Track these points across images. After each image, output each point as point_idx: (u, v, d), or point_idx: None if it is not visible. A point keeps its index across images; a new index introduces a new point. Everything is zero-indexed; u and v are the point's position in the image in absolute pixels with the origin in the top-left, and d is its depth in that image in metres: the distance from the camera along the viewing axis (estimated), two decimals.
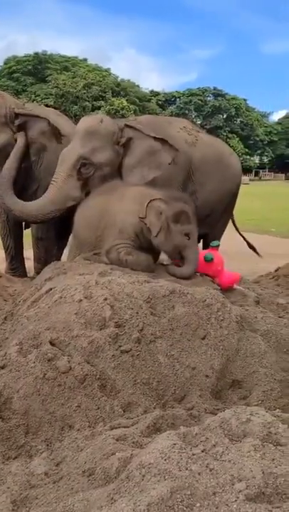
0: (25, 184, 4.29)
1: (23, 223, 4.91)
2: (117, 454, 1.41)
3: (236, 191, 4.89)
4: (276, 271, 5.17)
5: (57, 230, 4.70)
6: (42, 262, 4.57)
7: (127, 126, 3.89)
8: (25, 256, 5.11)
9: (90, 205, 3.56)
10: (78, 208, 3.66)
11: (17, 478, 1.53)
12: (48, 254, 4.73)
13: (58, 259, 4.77)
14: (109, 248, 3.24)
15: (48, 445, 1.78)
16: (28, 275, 4.91)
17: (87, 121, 4.01)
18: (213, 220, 4.62)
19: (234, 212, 5.12)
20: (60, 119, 4.92)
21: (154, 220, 3.13)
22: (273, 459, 1.09)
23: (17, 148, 4.21)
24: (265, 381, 2.18)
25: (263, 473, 1.03)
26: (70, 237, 4.71)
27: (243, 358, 2.30)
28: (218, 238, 5.00)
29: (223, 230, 4.97)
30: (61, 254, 5.11)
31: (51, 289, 2.68)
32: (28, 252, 5.09)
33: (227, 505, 0.97)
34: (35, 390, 1.90)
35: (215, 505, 0.99)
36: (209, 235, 4.91)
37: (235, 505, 0.96)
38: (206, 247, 4.87)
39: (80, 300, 2.39)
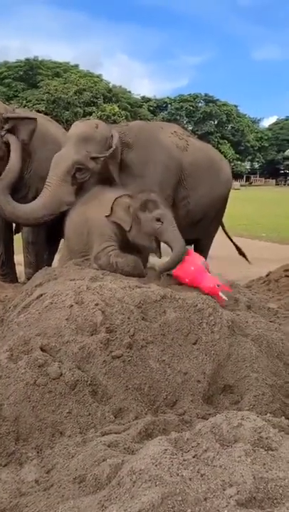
0: (16, 187, 4.27)
1: (13, 228, 4.89)
2: (108, 460, 1.40)
3: (227, 196, 4.92)
4: (267, 276, 5.21)
5: (47, 234, 4.69)
6: (33, 267, 4.54)
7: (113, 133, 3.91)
8: (16, 261, 5.08)
9: (76, 212, 3.60)
10: (68, 215, 3.67)
11: (7, 486, 1.51)
12: (38, 259, 4.71)
13: (49, 264, 4.76)
14: (96, 254, 3.26)
15: (38, 452, 1.76)
16: (19, 280, 4.89)
17: (81, 126, 4.00)
18: (204, 224, 4.65)
19: (225, 217, 5.15)
20: (50, 124, 4.93)
21: (123, 216, 3.24)
22: (264, 464, 1.09)
23: (16, 148, 4.19)
24: (256, 386, 2.18)
25: (254, 478, 1.03)
26: (62, 242, 4.70)
27: (234, 363, 2.30)
28: (210, 243, 5.02)
29: (214, 235, 4.99)
30: (52, 259, 5.10)
31: (42, 295, 2.67)
32: (19, 257, 5.06)
33: (218, 510, 0.97)
34: (26, 397, 1.88)
35: (206, 510, 0.98)
36: (201, 240, 4.93)
37: (226, 511, 0.96)
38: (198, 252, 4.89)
39: (71, 305, 2.38)
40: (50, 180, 3.82)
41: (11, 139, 4.19)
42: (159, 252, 3.34)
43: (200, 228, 4.54)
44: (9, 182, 4.01)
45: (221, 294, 2.93)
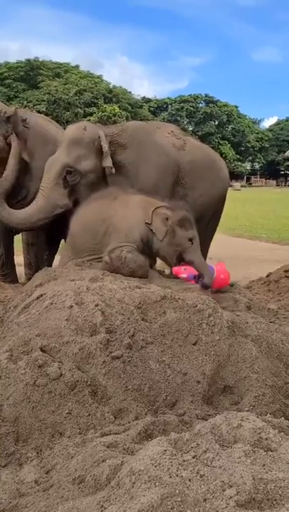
0: (15, 191, 4.28)
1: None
2: (107, 461, 1.40)
3: (225, 195, 4.91)
4: (267, 276, 5.21)
5: (47, 235, 4.70)
6: (33, 267, 4.56)
7: (98, 137, 3.92)
8: (16, 262, 5.09)
9: (88, 211, 3.58)
10: (74, 215, 3.65)
11: (6, 487, 1.51)
12: (38, 260, 4.73)
13: (49, 264, 4.76)
14: (112, 248, 3.26)
15: (38, 453, 1.76)
16: (19, 281, 4.90)
17: (71, 130, 4.05)
18: (202, 224, 4.65)
19: (226, 217, 5.15)
20: (51, 125, 4.94)
21: (160, 226, 3.29)
22: (264, 465, 1.09)
23: (15, 153, 4.21)
24: (256, 386, 2.18)
25: (253, 479, 1.03)
26: (62, 243, 4.70)
27: (234, 364, 2.30)
28: (208, 243, 5.02)
29: (212, 235, 4.98)
30: (52, 260, 5.10)
31: (42, 295, 2.67)
32: (19, 258, 5.07)
33: (218, 511, 0.97)
34: (26, 397, 1.88)
35: (206, 511, 0.98)
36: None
37: None
38: None
39: (71, 306, 2.38)
40: (43, 184, 3.86)
41: (14, 142, 4.21)
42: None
43: (198, 227, 4.54)
44: (4, 190, 4.04)
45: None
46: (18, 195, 4.28)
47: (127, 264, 3.14)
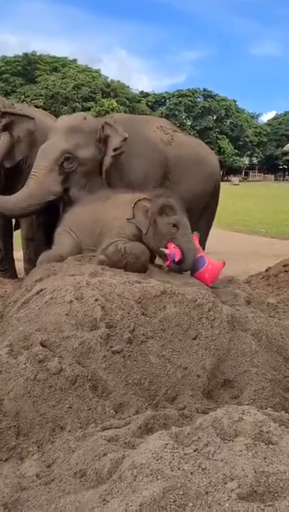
0: (12, 185, 4.26)
1: (13, 224, 4.88)
2: (108, 454, 1.40)
3: (215, 190, 4.89)
4: (266, 271, 5.22)
5: (47, 230, 4.69)
6: (32, 263, 4.54)
7: (106, 123, 3.91)
8: (15, 257, 5.08)
9: (81, 212, 3.58)
10: (67, 216, 3.65)
11: (8, 481, 1.51)
12: (37, 255, 4.71)
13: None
14: (105, 246, 3.26)
15: (39, 447, 1.76)
16: (19, 276, 4.89)
17: (69, 119, 4.03)
18: (192, 219, 4.63)
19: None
20: (49, 119, 4.92)
21: (142, 219, 3.27)
22: (265, 458, 1.09)
23: (1, 147, 4.19)
24: (256, 380, 2.19)
25: (254, 471, 1.04)
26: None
27: (234, 358, 2.30)
28: (203, 239, 5.02)
29: (207, 231, 4.94)
30: None
31: (42, 290, 2.67)
32: (19, 253, 5.06)
33: (219, 504, 0.97)
34: (26, 392, 1.89)
35: (207, 504, 0.99)
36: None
37: (227, 504, 0.96)
38: None
39: (71, 301, 2.38)
40: (36, 169, 3.82)
41: (3, 137, 4.19)
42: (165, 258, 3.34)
43: (191, 224, 4.52)
44: None
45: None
46: (16, 189, 4.26)
47: (128, 253, 3.12)
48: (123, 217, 3.33)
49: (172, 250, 3.15)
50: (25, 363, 1.97)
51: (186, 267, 3.23)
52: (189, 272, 3.28)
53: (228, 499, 0.98)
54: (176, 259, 3.15)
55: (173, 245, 3.16)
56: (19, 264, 5.04)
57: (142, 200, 3.30)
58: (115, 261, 3.13)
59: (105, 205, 3.48)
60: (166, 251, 3.17)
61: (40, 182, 3.77)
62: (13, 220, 4.85)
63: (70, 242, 3.51)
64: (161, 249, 3.22)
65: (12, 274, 4.91)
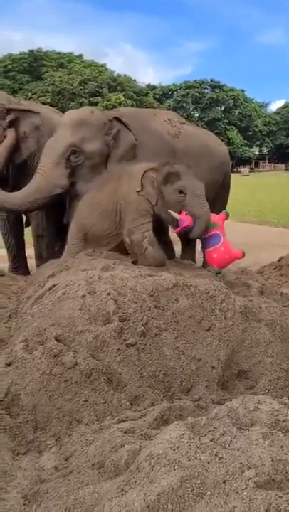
0: (20, 181, 4.28)
1: (24, 221, 4.91)
2: (125, 446, 1.41)
3: (225, 181, 4.86)
4: (279, 261, 5.19)
5: (57, 227, 4.71)
6: (43, 259, 4.58)
7: (115, 118, 3.90)
8: (27, 254, 5.12)
9: (98, 198, 3.52)
10: (82, 205, 3.63)
11: (27, 473, 1.54)
12: (49, 252, 4.74)
13: (60, 255, 4.77)
14: (130, 228, 3.24)
15: (56, 440, 1.78)
16: (31, 273, 4.92)
17: (76, 113, 4.04)
18: None
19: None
20: (57, 116, 4.93)
21: (149, 190, 3.23)
22: (282, 446, 1.09)
23: (7, 144, 4.21)
24: (271, 370, 2.19)
25: (272, 460, 1.04)
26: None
27: (248, 348, 2.30)
28: None
29: None
30: (63, 251, 5.11)
31: (54, 286, 2.69)
32: (31, 251, 5.10)
33: (237, 492, 0.98)
34: (42, 386, 1.91)
35: (225, 493, 0.99)
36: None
37: (245, 493, 0.97)
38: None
39: (84, 295, 2.39)
40: (43, 164, 3.83)
41: (9, 134, 4.21)
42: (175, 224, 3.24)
43: None
44: None
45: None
46: (25, 183, 4.29)
47: (146, 257, 3.14)
48: (136, 189, 3.27)
49: (182, 217, 3.06)
50: (40, 358, 1.99)
51: (195, 234, 3.12)
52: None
53: (246, 487, 0.98)
54: (184, 225, 3.05)
55: (185, 213, 3.08)
56: (31, 262, 5.07)
57: (149, 171, 3.26)
58: (135, 250, 3.16)
59: (120, 182, 3.43)
60: (176, 215, 3.10)
61: (46, 176, 3.79)
62: (24, 217, 4.88)
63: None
64: (169, 211, 3.13)
65: (24, 271, 4.95)
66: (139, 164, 3.47)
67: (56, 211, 4.29)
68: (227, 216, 3.25)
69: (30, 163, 4.41)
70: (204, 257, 5.03)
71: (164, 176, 3.19)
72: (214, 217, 3.19)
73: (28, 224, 4.93)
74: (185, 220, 3.06)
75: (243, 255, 3.12)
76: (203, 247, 3.17)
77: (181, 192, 3.13)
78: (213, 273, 3.04)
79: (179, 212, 3.11)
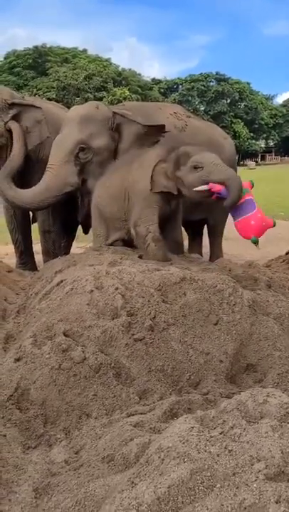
0: (23, 175, 4.30)
1: (31, 217, 4.93)
2: (135, 439, 1.42)
3: None
4: (287, 254, 5.15)
5: (63, 222, 4.72)
6: (51, 254, 4.60)
7: (114, 113, 3.89)
8: (34, 250, 5.14)
9: (110, 181, 3.53)
10: (97, 191, 3.63)
11: (38, 467, 1.55)
12: (56, 247, 4.76)
13: (67, 251, 4.80)
14: (136, 219, 3.23)
15: (66, 434, 1.80)
16: (38, 269, 4.94)
17: (81, 108, 4.03)
18: (208, 204, 4.59)
19: None
20: (62, 111, 4.93)
21: (166, 183, 3.17)
22: None
23: (18, 136, 4.22)
24: (279, 364, 2.18)
25: (281, 452, 1.04)
26: (79, 230, 4.69)
27: (256, 342, 2.30)
28: (221, 223, 4.96)
29: (225, 216, 4.89)
30: (70, 247, 5.13)
31: (62, 281, 2.70)
32: (38, 246, 5.11)
33: (247, 485, 0.98)
34: (52, 381, 1.92)
35: (235, 485, 1.00)
36: (209, 220, 4.88)
37: (255, 485, 0.97)
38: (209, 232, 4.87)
39: (91, 291, 2.40)
40: (52, 162, 3.84)
41: (13, 126, 4.22)
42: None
43: (205, 208, 4.46)
44: (12, 170, 4.06)
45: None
46: (31, 180, 4.30)
47: (147, 253, 3.14)
48: (148, 178, 3.23)
49: (210, 185, 2.96)
50: (49, 353, 2.01)
51: (232, 199, 2.96)
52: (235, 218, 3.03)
53: (256, 480, 0.98)
54: (215, 190, 2.93)
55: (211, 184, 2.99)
56: (38, 257, 5.09)
57: (159, 164, 3.21)
58: (139, 243, 3.17)
59: (130, 168, 3.42)
60: (203, 187, 3.00)
61: (56, 174, 3.79)
62: (31, 213, 4.89)
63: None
64: (194, 189, 3.03)
65: (32, 266, 4.97)
66: (149, 152, 3.43)
67: (62, 207, 4.30)
68: (252, 185, 3.12)
69: (35, 157, 4.42)
70: (211, 252, 5.02)
71: (174, 162, 3.14)
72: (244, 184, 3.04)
73: (34, 220, 4.95)
74: (213, 186, 2.95)
75: (274, 224, 2.99)
76: (236, 217, 3.01)
77: (196, 167, 3.06)
78: (252, 242, 2.92)
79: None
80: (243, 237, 3.04)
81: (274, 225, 2.98)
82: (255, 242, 2.92)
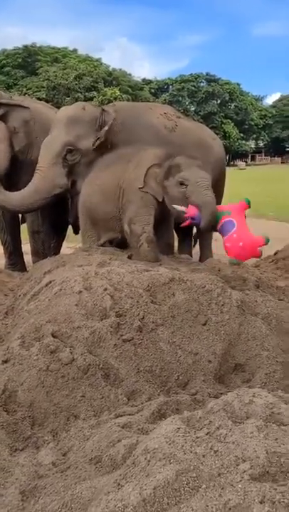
0: (11, 176, 4.27)
1: (20, 218, 4.90)
2: (122, 441, 1.42)
3: (220, 175, 4.85)
4: (275, 254, 5.18)
5: (53, 222, 4.70)
6: (40, 255, 4.57)
7: (103, 110, 3.89)
8: (23, 250, 5.11)
9: (101, 179, 3.49)
10: (86, 189, 3.61)
11: (25, 469, 1.54)
12: (45, 247, 4.74)
13: (57, 252, 4.77)
14: (132, 217, 3.21)
15: (54, 436, 1.79)
16: (28, 269, 4.92)
17: (69, 109, 4.03)
18: None
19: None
20: (52, 111, 4.91)
21: (154, 186, 3.19)
22: (276, 439, 1.10)
23: (3, 137, 4.19)
24: (267, 364, 2.20)
25: (266, 452, 1.04)
26: (70, 230, 4.66)
27: (244, 342, 2.31)
28: None
29: None
30: (60, 247, 5.11)
31: (51, 282, 2.69)
32: (27, 247, 5.09)
33: (232, 485, 0.98)
34: (39, 382, 1.92)
35: (220, 486, 1.00)
36: (194, 224, 4.88)
37: (240, 485, 0.97)
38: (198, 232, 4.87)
39: (80, 291, 2.39)
40: (40, 164, 3.83)
41: (0, 126, 4.19)
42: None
43: None
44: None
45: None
46: (19, 182, 4.27)
47: (139, 253, 3.13)
48: (142, 176, 3.22)
49: (187, 209, 2.97)
50: (37, 354, 2.00)
51: (203, 224, 3.01)
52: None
53: (241, 480, 0.99)
54: (188, 215, 2.95)
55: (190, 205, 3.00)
56: (27, 258, 5.07)
57: (153, 167, 3.21)
58: (132, 241, 3.16)
59: (127, 166, 3.40)
60: (180, 208, 3.02)
61: (44, 176, 3.79)
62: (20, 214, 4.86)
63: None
64: (173, 205, 3.06)
65: (21, 267, 4.94)
66: (148, 151, 3.41)
67: (52, 207, 4.28)
68: (248, 204, 3.08)
69: (22, 158, 4.39)
70: (200, 253, 5.02)
71: (165, 171, 3.15)
72: (231, 206, 3.06)
73: (23, 220, 4.92)
74: (189, 210, 2.97)
75: (267, 241, 2.92)
76: (223, 237, 3.03)
77: (182, 184, 3.07)
78: (229, 264, 2.93)
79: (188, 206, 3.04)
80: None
81: (266, 242, 2.92)
82: (233, 264, 2.92)
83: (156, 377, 2.10)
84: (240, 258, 2.96)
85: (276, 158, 55.95)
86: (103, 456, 1.43)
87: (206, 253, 5.05)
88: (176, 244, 4.76)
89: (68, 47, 50.00)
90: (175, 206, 3.06)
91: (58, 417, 1.86)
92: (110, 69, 47.60)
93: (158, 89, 53.29)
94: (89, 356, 2.03)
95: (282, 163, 52.80)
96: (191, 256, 4.67)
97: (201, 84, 53.00)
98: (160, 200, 3.17)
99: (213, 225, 3.01)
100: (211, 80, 53.17)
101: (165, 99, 46.08)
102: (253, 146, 59.11)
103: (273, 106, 59.41)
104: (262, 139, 59.02)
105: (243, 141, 53.39)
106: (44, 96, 34.52)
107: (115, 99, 35.21)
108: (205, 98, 51.22)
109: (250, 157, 55.09)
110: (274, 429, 1.14)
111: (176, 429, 1.20)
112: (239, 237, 2.90)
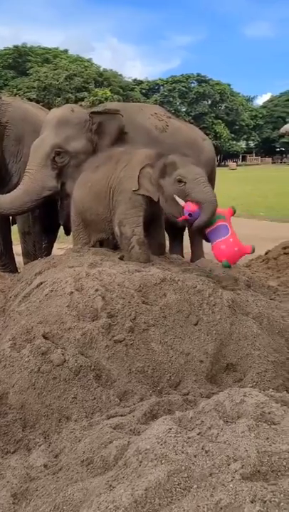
0: (6, 175, 4.25)
1: (11, 219, 4.88)
2: (114, 442, 1.42)
3: (211, 176, 4.86)
4: (266, 254, 5.22)
5: (44, 224, 4.68)
6: (31, 256, 4.55)
7: (93, 113, 3.89)
8: (15, 251, 5.08)
9: (92, 180, 3.44)
10: (77, 192, 3.59)
11: (16, 472, 1.53)
12: (36, 249, 4.72)
13: (48, 253, 4.76)
14: (122, 219, 3.18)
15: (45, 438, 1.78)
16: (19, 271, 4.89)
17: (57, 112, 4.02)
18: None
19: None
20: (42, 112, 4.89)
21: (149, 187, 3.14)
22: (267, 438, 1.11)
23: None
24: (258, 363, 2.20)
25: (257, 452, 1.05)
26: (61, 231, 4.64)
27: (236, 342, 2.31)
28: None
29: None
30: (51, 248, 5.09)
31: (42, 283, 2.68)
32: (18, 248, 5.06)
33: (224, 485, 0.99)
34: (31, 384, 1.90)
35: (212, 485, 1.00)
36: (189, 220, 4.90)
37: (231, 485, 0.98)
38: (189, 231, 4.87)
39: (71, 292, 2.39)
40: (30, 166, 3.82)
41: None
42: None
43: None
44: None
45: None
46: (9, 183, 4.24)
47: (130, 255, 3.09)
48: (136, 178, 3.17)
49: (187, 204, 2.94)
50: (28, 356, 1.99)
51: (201, 220, 2.95)
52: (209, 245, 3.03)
53: (232, 480, 0.99)
54: (188, 210, 2.92)
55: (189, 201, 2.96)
56: (18, 259, 5.04)
57: (146, 167, 3.17)
58: (123, 243, 3.13)
59: (116, 166, 3.35)
60: (181, 201, 2.97)
61: (33, 179, 3.78)
62: None
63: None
64: (175, 196, 2.99)
65: (12, 268, 4.91)
66: (139, 152, 3.37)
67: (42, 208, 4.26)
68: (234, 211, 3.08)
69: (14, 160, 4.37)
70: (192, 253, 5.03)
71: (159, 170, 3.10)
72: (221, 211, 3.04)
73: (14, 221, 4.90)
74: (189, 206, 2.94)
75: (253, 250, 2.97)
76: (210, 241, 3.02)
77: (180, 181, 3.02)
78: (222, 267, 2.94)
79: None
80: (217, 260, 3.06)
81: (252, 252, 2.97)
82: (227, 267, 2.93)
83: (148, 377, 2.10)
84: (232, 263, 3.00)
85: (267, 158, 56.29)
86: (95, 458, 1.43)
87: (197, 253, 5.06)
88: (167, 243, 4.77)
89: (59, 47, 49.91)
90: (177, 198, 2.98)
91: (50, 418, 1.85)
92: (101, 69, 47.57)
93: (149, 90, 53.36)
94: (80, 357, 2.03)
95: (272, 163, 53.13)
96: (183, 256, 4.68)
97: (192, 84, 53.19)
98: (156, 200, 3.14)
99: (206, 226, 3.00)
100: (201, 80, 53.37)
101: (156, 100, 46.17)
102: (243, 146, 59.41)
103: (264, 106, 59.81)
104: (253, 140, 59.38)
105: (234, 142, 53.66)
106: (35, 96, 34.41)
107: (106, 99, 35.18)
108: (196, 99, 51.42)
109: (241, 157, 55.37)
110: (265, 429, 1.15)
111: (168, 430, 1.20)
112: (235, 243, 2.94)
